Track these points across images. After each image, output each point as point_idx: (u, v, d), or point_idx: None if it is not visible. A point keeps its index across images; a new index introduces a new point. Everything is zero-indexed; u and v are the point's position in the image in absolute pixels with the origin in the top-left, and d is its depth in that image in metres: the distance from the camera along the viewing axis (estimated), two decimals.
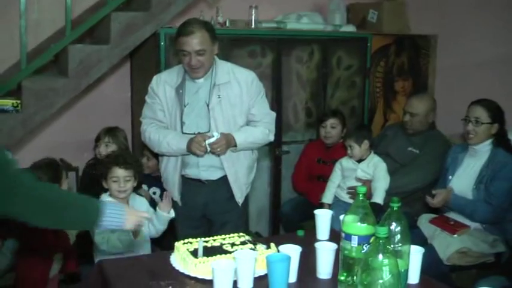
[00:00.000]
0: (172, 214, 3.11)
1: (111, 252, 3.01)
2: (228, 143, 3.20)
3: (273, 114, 3.50)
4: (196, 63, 3.16)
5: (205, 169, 3.35)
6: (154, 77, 3.44)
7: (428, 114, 4.22)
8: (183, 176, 3.41)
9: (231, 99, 3.27)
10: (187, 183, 3.42)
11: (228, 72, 3.30)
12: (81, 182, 3.98)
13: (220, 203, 3.42)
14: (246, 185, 3.46)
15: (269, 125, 3.43)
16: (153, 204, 3.55)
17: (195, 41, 3.13)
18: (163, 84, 3.33)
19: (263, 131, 3.38)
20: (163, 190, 3.93)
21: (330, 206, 3.85)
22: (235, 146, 3.25)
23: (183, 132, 3.27)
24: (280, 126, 4.51)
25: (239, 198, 3.43)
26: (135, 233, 2.97)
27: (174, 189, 3.42)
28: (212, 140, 3.13)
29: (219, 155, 3.27)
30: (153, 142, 3.35)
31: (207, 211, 3.47)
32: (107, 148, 3.95)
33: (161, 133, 3.31)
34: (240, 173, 3.39)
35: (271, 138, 3.47)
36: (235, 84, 3.29)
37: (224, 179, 3.37)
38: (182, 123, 3.27)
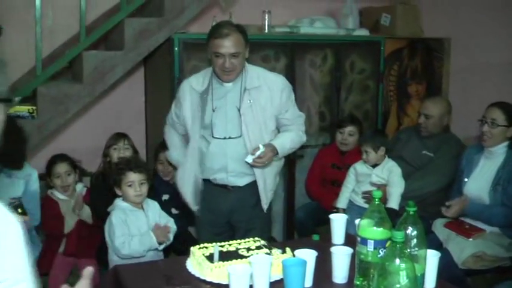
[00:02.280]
0: (160, 247, 3.14)
1: (132, 256, 3.02)
2: (272, 153, 3.20)
3: (304, 116, 3.51)
4: (230, 65, 3.14)
5: (234, 174, 3.31)
6: (183, 82, 3.43)
7: (443, 117, 4.21)
8: (208, 181, 3.38)
9: (261, 104, 3.25)
10: (212, 189, 3.39)
11: (258, 77, 3.28)
12: (91, 193, 3.98)
13: (246, 210, 3.38)
14: (271, 191, 3.44)
15: (301, 126, 3.45)
16: None
17: (230, 44, 3.12)
18: (190, 91, 3.31)
19: (298, 134, 3.40)
20: (172, 197, 3.94)
21: (344, 211, 3.83)
22: (277, 153, 3.25)
23: (213, 137, 3.26)
24: None
25: (265, 204, 3.40)
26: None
27: (189, 198, 3.41)
28: (259, 153, 3.11)
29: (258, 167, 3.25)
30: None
31: (231, 218, 3.43)
32: (125, 152, 3.95)
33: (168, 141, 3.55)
34: (268, 179, 3.36)
35: (305, 139, 3.49)
36: (266, 88, 3.26)
37: (250, 186, 3.34)
38: (212, 127, 3.25)
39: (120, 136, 4.05)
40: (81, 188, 3.95)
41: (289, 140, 3.34)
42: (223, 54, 3.13)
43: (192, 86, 3.30)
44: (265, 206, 3.40)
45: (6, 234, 1.36)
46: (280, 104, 3.29)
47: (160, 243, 3.12)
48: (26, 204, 3.53)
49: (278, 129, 3.40)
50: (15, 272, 1.35)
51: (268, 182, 3.36)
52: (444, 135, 4.24)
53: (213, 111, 3.24)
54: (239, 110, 3.23)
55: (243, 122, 3.22)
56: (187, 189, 3.39)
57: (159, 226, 3.16)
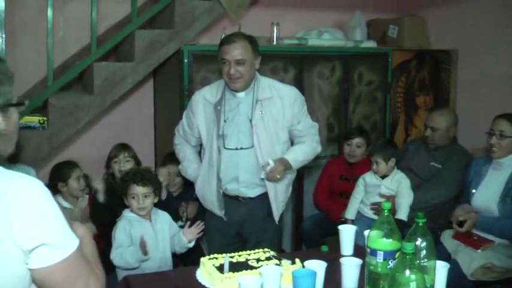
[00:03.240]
0: (191, 245, 3.15)
1: (126, 268, 3.02)
2: (285, 166, 3.21)
3: (317, 126, 3.51)
4: (235, 72, 3.15)
5: (245, 185, 3.32)
6: (196, 93, 3.45)
7: (449, 129, 4.21)
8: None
9: (273, 115, 3.26)
10: (225, 200, 3.41)
11: (270, 88, 3.29)
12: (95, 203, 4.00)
13: (257, 222, 3.39)
14: (283, 202, 3.43)
15: (315, 137, 3.46)
16: None
17: (236, 51, 3.14)
18: (203, 102, 3.34)
19: (311, 145, 3.40)
20: (176, 211, 3.95)
21: (353, 222, 3.84)
22: (290, 167, 3.26)
23: (224, 148, 3.28)
24: None
25: (276, 216, 3.40)
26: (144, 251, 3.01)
27: (214, 207, 3.40)
28: (269, 168, 3.12)
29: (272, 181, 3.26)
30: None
31: (242, 229, 3.44)
32: (126, 164, 3.95)
33: (180, 154, 3.54)
34: (280, 190, 3.36)
35: (319, 149, 3.50)
36: (278, 99, 3.27)
37: (261, 197, 3.35)
38: (223, 138, 3.27)
39: (121, 148, 4.03)
40: (84, 198, 3.93)
41: (302, 152, 3.35)
42: (229, 60, 3.16)
43: (206, 97, 3.32)
44: (276, 218, 3.40)
45: (28, 199, 1.37)
46: (293, 115, 3.30)
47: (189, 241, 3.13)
48: None
49: (291, 140, 3.42)
50: (48, 236, 1.36)
51: (279, 194, 3.36)
52: (452, 146, 4.24)
53: (225, 121, 3.26)
54: (251, 121, 3.24)
55: (254, 133, 3.23)
56: (212, 200, 3.39)
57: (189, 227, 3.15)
